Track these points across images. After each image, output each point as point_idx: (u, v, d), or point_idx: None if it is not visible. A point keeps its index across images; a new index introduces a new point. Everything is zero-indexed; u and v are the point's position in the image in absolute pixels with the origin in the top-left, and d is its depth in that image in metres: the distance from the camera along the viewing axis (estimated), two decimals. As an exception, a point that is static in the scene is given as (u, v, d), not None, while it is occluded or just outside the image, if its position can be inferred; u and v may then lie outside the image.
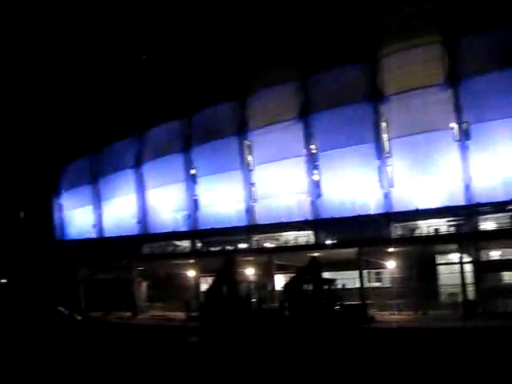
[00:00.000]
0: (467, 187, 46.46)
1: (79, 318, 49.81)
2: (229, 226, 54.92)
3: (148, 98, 64.39)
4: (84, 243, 64.38)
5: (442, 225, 47.15)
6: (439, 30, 48.78)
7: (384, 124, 50.32)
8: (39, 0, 70.07)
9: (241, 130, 57.07)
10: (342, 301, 40.70)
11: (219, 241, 56.00)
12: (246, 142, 57.02)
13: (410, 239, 47.08)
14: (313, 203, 52.68)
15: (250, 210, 56.15)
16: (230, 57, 59.99)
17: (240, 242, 55.22)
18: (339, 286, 41.61)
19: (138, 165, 64.58)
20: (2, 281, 63.68)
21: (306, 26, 55.96)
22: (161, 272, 57.69)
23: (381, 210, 49.21)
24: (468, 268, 43.08)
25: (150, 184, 63.47)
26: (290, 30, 56.73)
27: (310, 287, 40.25)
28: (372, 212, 49.33)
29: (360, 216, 48.60)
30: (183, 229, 59.76)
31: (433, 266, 45.95)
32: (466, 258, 43.28)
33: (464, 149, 47.00)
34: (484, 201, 45.67)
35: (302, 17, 55.16)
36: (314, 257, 42.31)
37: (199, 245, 59.22)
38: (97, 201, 68.59)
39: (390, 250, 44.87)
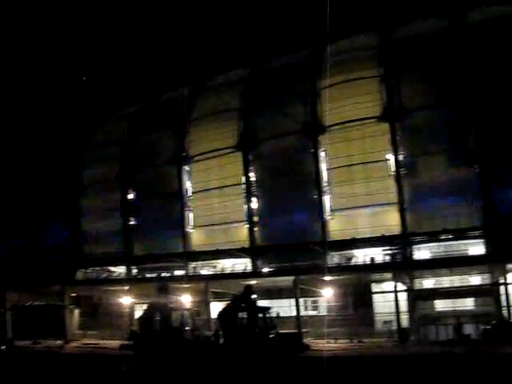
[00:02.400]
0: (402, 217, 47.21)
1: (3, 347, 47.57)
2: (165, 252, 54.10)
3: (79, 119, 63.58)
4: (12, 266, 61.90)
5: (378, 254, 47.65)
6: (379, 64, 50.09)
7: (323, 154, 50.83)
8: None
9: (180, 156, 56.65)
10: (278, 329, 40.34)
11: (155, 267, 55.06)
12: (185, 169, 56.63)
13: (346, 268, 47.31)
14: (251, 231, 52.48)
15: (187, 237, 55.48)
16: (172, 82, 59.99)
17: (176, 269, 54.38)
18: (274, 314, 41.28)
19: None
20: None
21: (249, 56, 56.67)
22: (94, 298, 56.06)
23: (318, 239, 49.30)
24: (402, 296, 43.64)
25: (87, 209, 62.10)
26: (233, 59, 57.32)
27: (245, 315, 39.78)
28: (309, 240, 49.44)
29: (297, 244, 48.80)
30: (119, 254, 58.45)
31: (368, 294, 46.39)
32: (401, 287, 43.91)
33: (400, 180, 47.89)
34: (418, 230, 46.58)
35: (245, 45, 55.86)
36: (249, 285, 41.98)
37: (135, 271, 57.98)
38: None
39: (327, 278, 45.06)
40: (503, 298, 42.06)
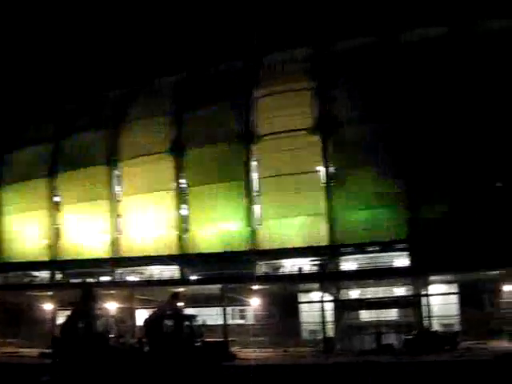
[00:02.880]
0: (331, 228, 47.90)
1: None
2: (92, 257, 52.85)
3: (9, 119, 61.36)
4: None
5: (306, 264, 48.11)
6: (313, 76, 50.77)
7: (255, 163, 50.97)
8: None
9: (110, 159, 55.54)
10: (204, 337, 39.99)
11: (81, 273, 53.59)
12: (116, 172, 55.54)
13: (274, 277, 47.63)
14: (180, 238, 51.96)
15: (114, 242, 54.34)
16: (103, 85, 58.88)
17: (103, 275, 53.13)
18: (201, 322, 40.90)
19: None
20: None
21: (184, 61, 56.37)
22: (15, 304, 53.89)
23: (247, 248, 49.33)
24: (329, 306, 44.23)
25: (9, 209, 59.76)
26: (170, 63, 56.88)
27: (171, 323, 39.21)
28: (238, 249, 49.39)
29: (226, 252, 48.71)
30: (42, 258, 56.51)
31: (295, 303, 46.75)
32: (327, 297, 44.49)
33: (329, 191, 48.62)
34: (346, 242, 47.43)
35: (182, 50, 55.54)
36: (176, 292, 41.46)
37: (59, 276, 56.20)
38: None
39: (255, 287, 45.13)
40: (425, 308, 43.39)
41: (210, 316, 44.10)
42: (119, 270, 53.35)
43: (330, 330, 43.82)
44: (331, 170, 48.77)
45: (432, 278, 43.90)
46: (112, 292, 47.94)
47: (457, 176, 45.81)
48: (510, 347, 38.35)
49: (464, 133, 45.96)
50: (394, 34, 50.84)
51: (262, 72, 52.76)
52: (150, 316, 40.50)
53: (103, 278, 53.12)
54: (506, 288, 44.46)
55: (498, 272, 42.90)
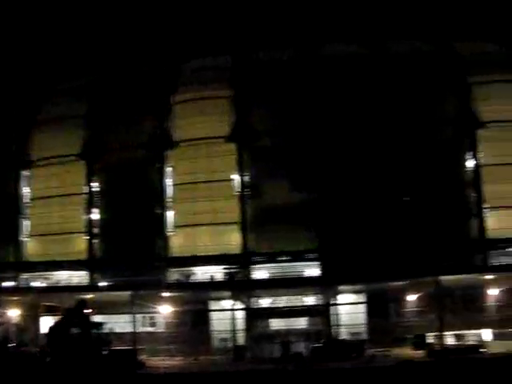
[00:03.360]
0: (244, 237, 48.09)
1: None
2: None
3: None
4: None
5: (218, 272, 48.01)
6: (231, 85, 50.98)
7: (170, 170, 50.47)
8: None
9: (19, 161, 53.36)
10: (112, 345, 38.95)
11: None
12: (24, 174, 53.37)
13: (185, 285, 47.17)
14: (89, 243, 50.53)
15: (21, 246, 52.14)
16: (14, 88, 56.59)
17: (6, 280, 50.67)
18: (109, 330, 39.86)
19: None
20: None
21: (101, 63, 55.24)
22: None
23: (159, 254, 48.67)
24: (240, 314, 44.35)
25: None
26: (84, 65, 55.50)
27: (77, 330, 37.90)
28: (150, 256, 48.66)
29: (137, 259, 47.83)
30: None
31: (206, 312, 46.51)
32: (239, 305, 44.54)
33: (243, 200, 48.81)
34: (258, 251, 47.78)
35: (97, 53, 54.33)
36: (83, 299, 40.17)
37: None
38: None
39: (166, 294, 44.51)
40: (333, 317, 44.33)
41: (119, 323, 43.10)
42: (24, 275, 51.09)
43: (241, 338, 43.86)
44: (246, 179, 49.01)
45: (341, 287, 44.92)
46: (15, 298, 45.80)
47: (366, 190, 47.40)
48: (412, 354, 39.81)
49: (372, 148, 47.78)
50: (314, 47, 52.20)
51: (181, 78, 52.39)
52: (55, 323, 39.00)
53: (6, 284, 50.66)
54: (410, 298, 46.30)
55: (402, 283, 44.59)
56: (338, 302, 45.27)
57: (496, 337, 43.13)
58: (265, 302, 46.77)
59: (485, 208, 47.50)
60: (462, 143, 48.83)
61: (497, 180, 47.34)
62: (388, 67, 50.20)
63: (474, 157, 48.21)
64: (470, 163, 48.44)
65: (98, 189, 51.40)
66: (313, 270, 47.43)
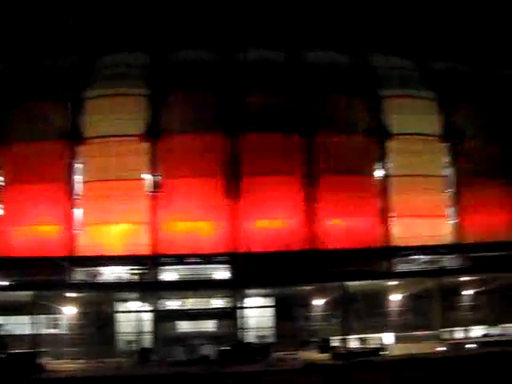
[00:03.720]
0: (153, 238, 47.29)
1: None
2: None
3: None
4: None
5: (126, 272, 46.99)
6: (147, 84, 50.14)
7: (81, 165, 48.91)
8: None
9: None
10: (9, 348, 37.24)
11: None
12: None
13: (91, 285, 45.74)
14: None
15: None
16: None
17: None
18: (7, 332, 38.06)
19: None
20: None
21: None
22: None
23: (67, 253, 47.01)
24: (147, 316, 43.66)
25: None
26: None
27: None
28: (55, 254, 46.84)
29: (39, 257, 45.81)
30: None
31: (112, 313, 45.36)
32: (146, 307, 43.80)
33: (155, 200, 48.06)
34: (167, 252, 47.08)
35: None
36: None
37: None
38: None
39: (70, 295, 43.09)
40: (241, 320, 44.54)
41: (20, 325, 41.20)
42: None
43: (147, 341, 43.12)
44: (157, 179, 48.28)
45: (250, 291, 45.22)
46: None
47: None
48: (318, 357, 40.66)
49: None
50: (232, 52, 52.45)
51: (96, 73, 50.93)
52: None
53: None
54: (317, 303, 47.27)
55: (310, 287, 45.53)
56: (246, 305, 45.50)
57: (397, 340, 44.92)
58: (173, 304, 46.28)
59: (391, 216, 49.41)
60: (372, 153, 50.50)
61: (403, 190, 49.50)
62: (302, 75, 51.24)
63: (383, 167, 50.07)
64: (379, 173, 50.23)
65: (3, 183, 48.84)
66: (223, 273, 47.42)
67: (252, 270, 45.41)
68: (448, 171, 51.30)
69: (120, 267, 47.24)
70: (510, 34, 57.27)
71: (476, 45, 56.43)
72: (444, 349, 42.01)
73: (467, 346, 43.44)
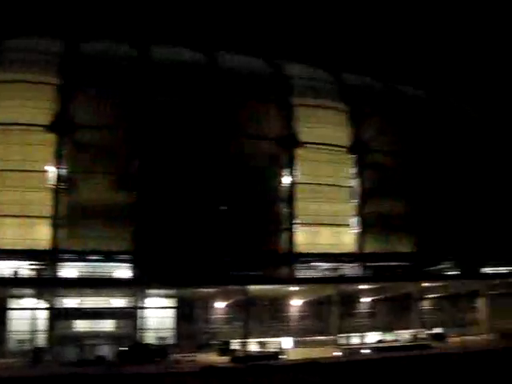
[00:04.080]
0: (54, 233, 45.55)
1: None
2: None
3: None
4: None
5: (22, 268, 44.84)
6: (59, 72, 48.09)
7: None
8: None
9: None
10: None
11: None
12: None
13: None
14: None
15: None
16: None
17: None
18: None
19: None
20: None
21: None
22: None
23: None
24: (42, 314, 42.02)
25: None
26: None
27: None
28: None
29: None
30: None
31: (4, 310, 43.15)
32: (42, 304, 42.07)
33: (57, 194, 46.20)
34: (68, 248, 45.59)
35: None
36: None
37: None
38: None
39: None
40: (141, 321, 43.77)
41: None
42: None
43: (42, 340, 41.42)
44: (63, 172, 46.59)
45: (151, 291, 44.50)
46: None
47: (185, 196, 47.69)
48: (216, 360, 40.65)
49: (195, 157, 48.29)
50: (149, 49, 51.78)
51: (2, 56, 48.35)
52: None
53: None
54: (218, 305, 47.22)
55: (212, 290, 45.44)
56: (146, 305, 44.73)
57: (296, 344, 45.62)
58: (71, 303, 44.68)
59: (295, 223, 50.26)
60: (280, 160, 51.19)
61: (309, 198, 50.58)
62: (215, 79, 51.24)
63: (291, 174, 50.87)
64: (285, 180, 50.95)
65: None
66: (123, 272, 46.45)
67: (155, 269, 44.80)
68: (353, 182, 53.01)
69: (17, 262, 45.02)
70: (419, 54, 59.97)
71: (388, 62, 58.68)
72: (340, 353, 43.10)
73: (362, 351, 44.94)
